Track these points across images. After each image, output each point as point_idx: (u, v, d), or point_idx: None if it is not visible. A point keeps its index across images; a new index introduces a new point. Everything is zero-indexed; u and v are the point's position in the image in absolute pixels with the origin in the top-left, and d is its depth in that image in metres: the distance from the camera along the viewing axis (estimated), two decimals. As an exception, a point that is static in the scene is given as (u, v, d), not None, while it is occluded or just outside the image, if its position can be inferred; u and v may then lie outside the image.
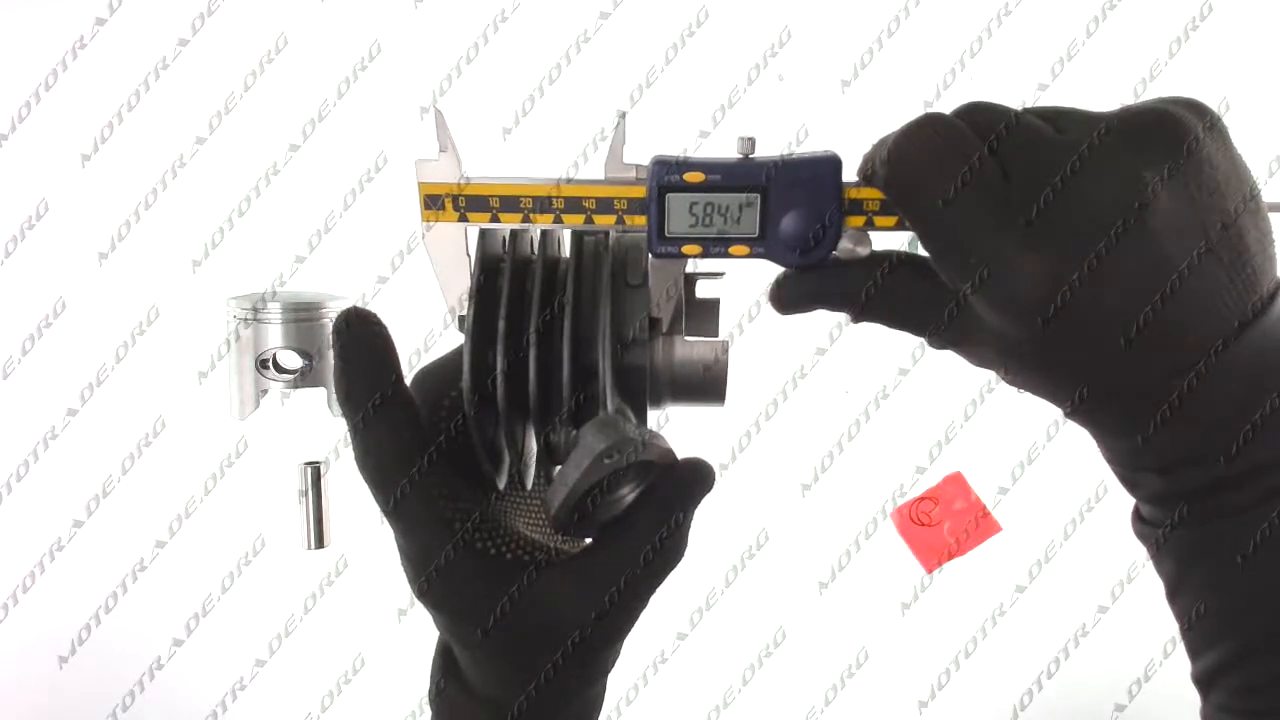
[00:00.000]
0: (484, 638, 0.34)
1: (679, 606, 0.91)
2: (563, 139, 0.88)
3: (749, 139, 0.37)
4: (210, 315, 0.92)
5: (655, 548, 0.35)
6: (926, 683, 0.92)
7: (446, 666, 0.38)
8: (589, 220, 0.38)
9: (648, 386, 0.39)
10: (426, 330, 0.86)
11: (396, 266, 0.86)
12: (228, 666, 0.91)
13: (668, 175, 0.37)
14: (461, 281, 0.39)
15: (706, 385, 0.41)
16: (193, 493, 0.90)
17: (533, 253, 0.40)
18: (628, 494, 0.36)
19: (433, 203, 0.39)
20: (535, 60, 0.88)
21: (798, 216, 0.37)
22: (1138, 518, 0.37)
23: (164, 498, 0.90)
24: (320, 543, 0.83)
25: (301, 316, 0.77)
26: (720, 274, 0.41)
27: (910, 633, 0.95)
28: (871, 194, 0.36)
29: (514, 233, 0.40)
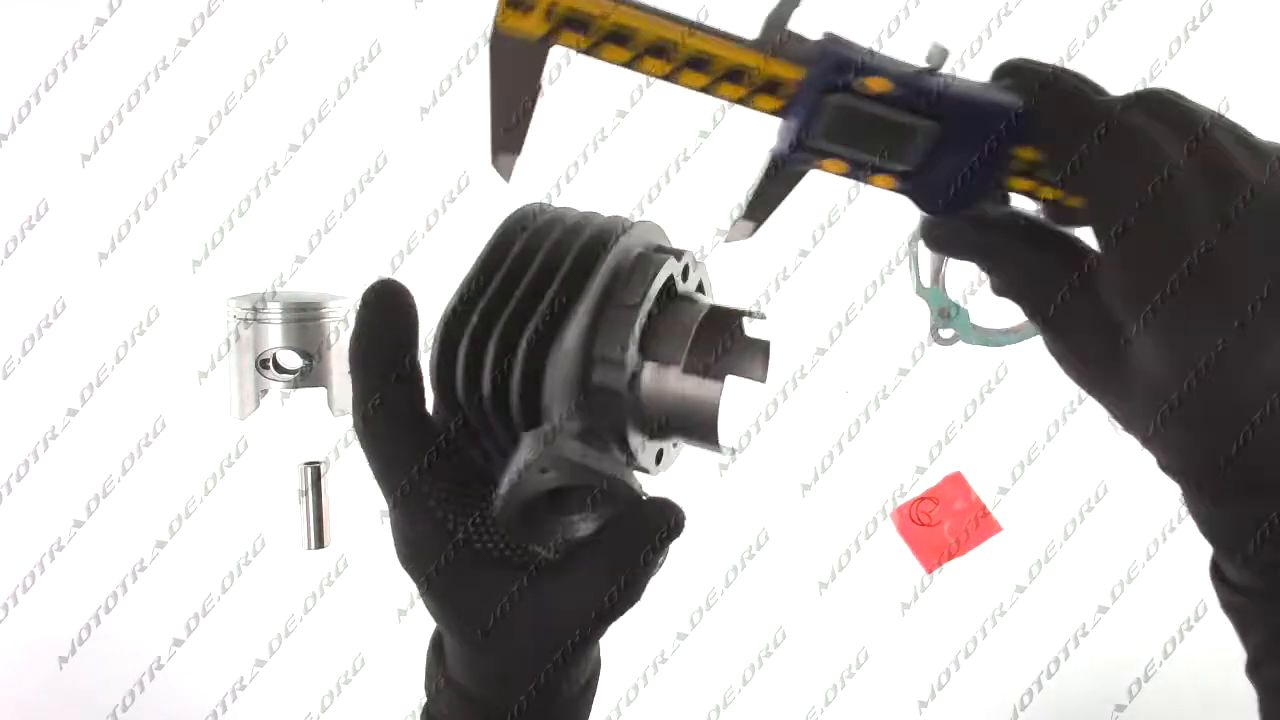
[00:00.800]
0: (484, 638, 0.34)
1: (679, 606, 0.91)
2: (563, 139, 0.88)
3: (944, 49, 0.30)
4: (210, 315, 0.92)
5: (606, 588, 0.34)
6: (926, 683, 0.92)
7: (440, 666, 0.38)
8: (712, 87, 0.30)
9: (626, 412, 0.35)
10: (426, 330, 0.86)
11: (396, 266, 0.85)
12: (228, 666, 0.91)
13: (840, 76, 0.29)
14: (514, 120, 0.31)
15: (696, 426, 0.37)
16: (193, 493, 0.90)
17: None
18: (580, 520, 0.34)
19: (518, 3, 0.29)
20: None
21: (961, 159, 0.30)
22: (1219, 578, 0.34)
23: (164, 498, 0.90)
24: (320, 543, 0.83)
25: (301, 316, 0.77)
26: (763, 316, 0.38)
27: (910, 633, 0.95)
28: (1030, 154, 0.30)
29: (540, 214, 0.38)
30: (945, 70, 0.30)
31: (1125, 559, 0.88)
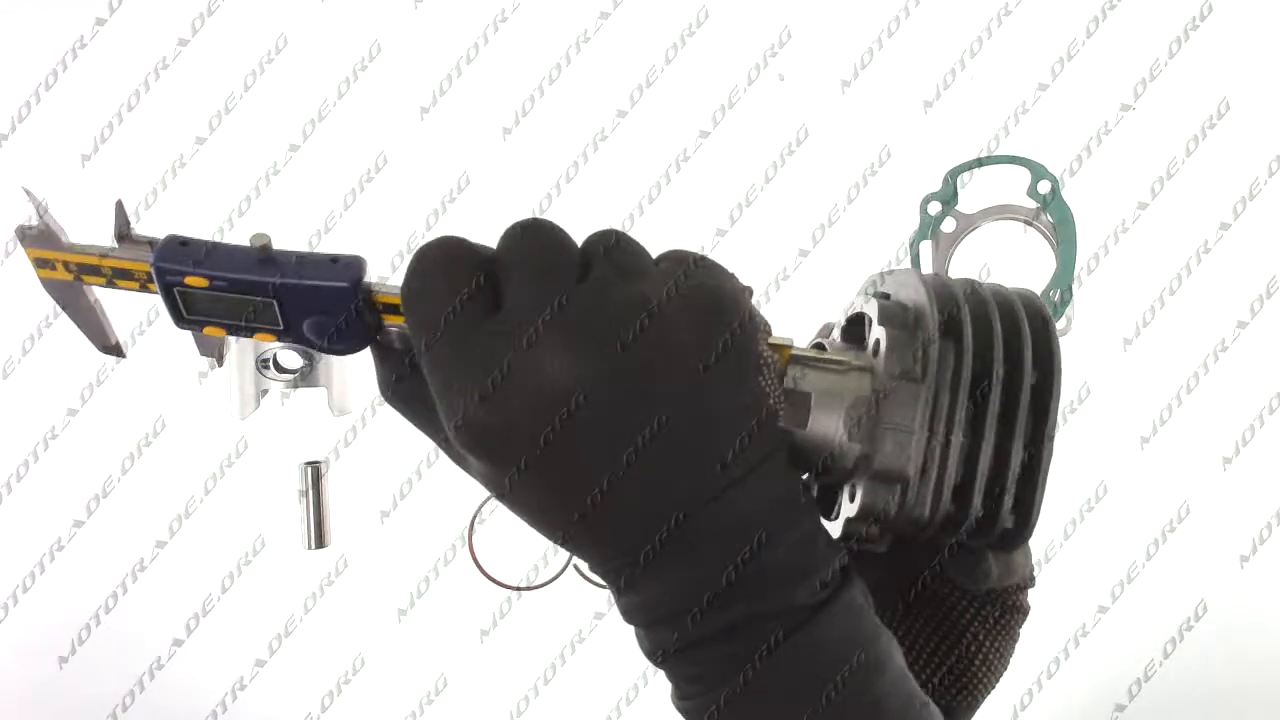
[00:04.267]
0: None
1: (679, 606, 0.91)
2: (563, 139, 0.88)
3: (262, 239, 0.35)
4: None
5: None
6: (926, 683, 0.92)
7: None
8: (145, 288, 0.38)
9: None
10: (426, 330, 0.86)
11: (396, 266, 0.86)
12: (228, 666, 0.92)
13: (169, 276, 0.36)
14: (90, 326, 0.42)
15: None
16: (193, 493, 0.90)
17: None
18: None
19: (44, 264, 0.40)
20: (535, 60, 0.88)
21: (320, 320, 0.36)
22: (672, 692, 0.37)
23: (164, 498, 0.90)
24: (320, 543, 0.83)
25: (302, 316, 0.76)
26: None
27: (910, 633, 0.95)
28: (397, 299, 0.36)
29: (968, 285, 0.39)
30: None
31: (1125, 559, 0.88)
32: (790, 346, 0.37)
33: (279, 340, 0.37)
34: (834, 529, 0.37)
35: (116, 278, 0.38)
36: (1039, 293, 0.89)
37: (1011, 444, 0.36)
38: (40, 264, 0.40)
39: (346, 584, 0.89)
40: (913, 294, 0.39)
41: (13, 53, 0.90)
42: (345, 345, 0.37)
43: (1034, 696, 0.88)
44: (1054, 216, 0.88)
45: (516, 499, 0.34)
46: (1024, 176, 0.88)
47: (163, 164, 0.90)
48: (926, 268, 0.93)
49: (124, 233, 0.39)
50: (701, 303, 0.33)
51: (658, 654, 0.35)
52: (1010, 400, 0.36)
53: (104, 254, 0.39)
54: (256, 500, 0.88)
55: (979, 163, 0.87)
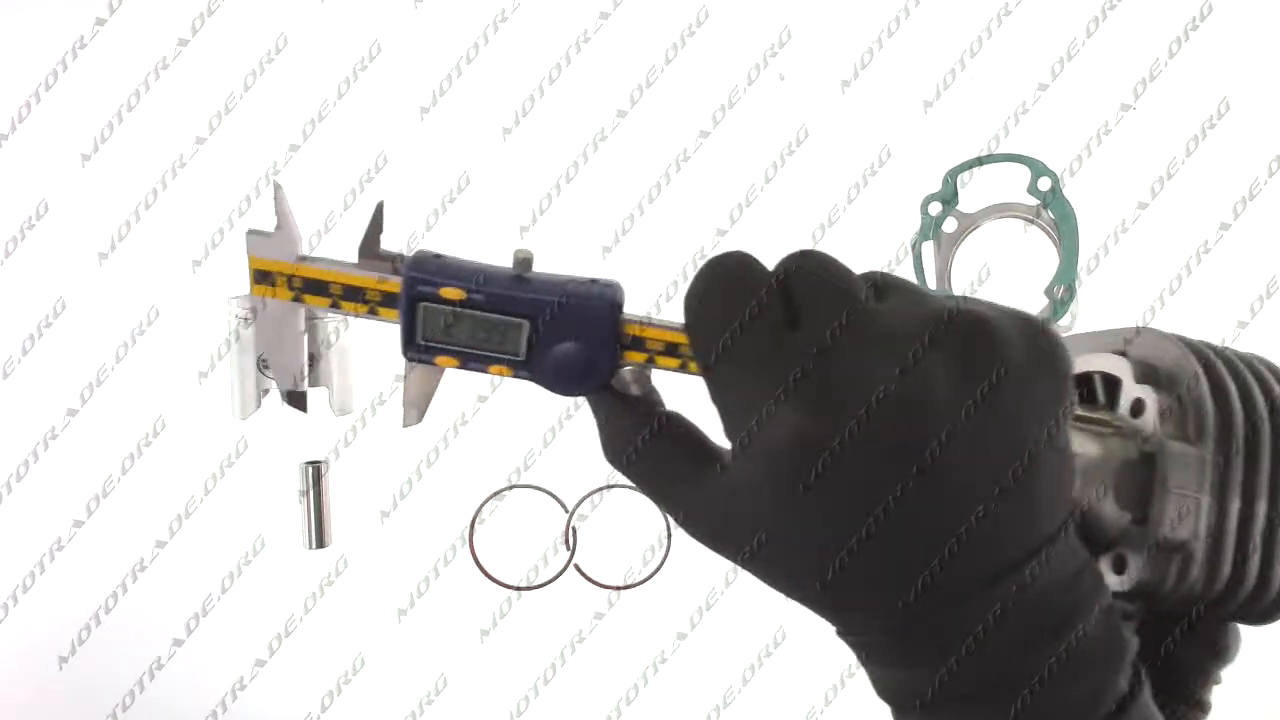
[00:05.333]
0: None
1: (679, 606, 0.91)
2: (563, 139, 0.88)
3: (525, 257, 0.34)
4: (210, 315, 0.92)
5: None
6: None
7: None
8: (373, 313, 0.35)
9: None
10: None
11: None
12: (228, 666, 0.92)
13: (422, 286, 0.33)
14: (296, 362, 0.37)
15: None
16: (193, 493, 0.90)
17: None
18: None
19: (263, 278, 0.35)
20: (535, 60, 0.88)
21: (569, 348, 0.33)
22: None
23: (164, 498, 0.90)
24: (320, 543, 0.83)
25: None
26: None
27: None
28: (654, 333, 0.34)
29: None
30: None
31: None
32: None
33: (514, 374, 0.34)
34: None
35: (344, 298, 0.34)
36: (1042, 290, 0.89)
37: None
38: (260, 277, 0.35)
39: (346, 584, 0.89)
40: (1157, 350, 0.36)
41: (13, 53, 0.90)
42: (589, 380, 0.34)
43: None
44: (1055, 213, 0.88)
45: (790, 527, 0.30)
46: (1024, 175, 0.88)
47: (163, 164, 0.90)
48: (929, 268, 0.93)
49: (371, 245, 0.35)
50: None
51: None
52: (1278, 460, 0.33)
53: (346, 270, 0.34)
54: (256, 500, 0.88)
55: (979, 162, 0.88)
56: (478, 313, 0.33)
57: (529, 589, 0.90)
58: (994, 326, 0.29)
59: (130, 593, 0.91)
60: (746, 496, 0.30)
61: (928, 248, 0.89)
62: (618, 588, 0.91)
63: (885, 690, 0.33)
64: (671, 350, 0.34)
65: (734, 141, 0.90)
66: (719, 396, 0.31)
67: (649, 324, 0.34)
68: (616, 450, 0.34)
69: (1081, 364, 0.39)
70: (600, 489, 0.90)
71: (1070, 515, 0.30)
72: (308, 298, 0.35)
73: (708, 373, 0.31)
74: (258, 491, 0.87)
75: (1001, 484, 0.28)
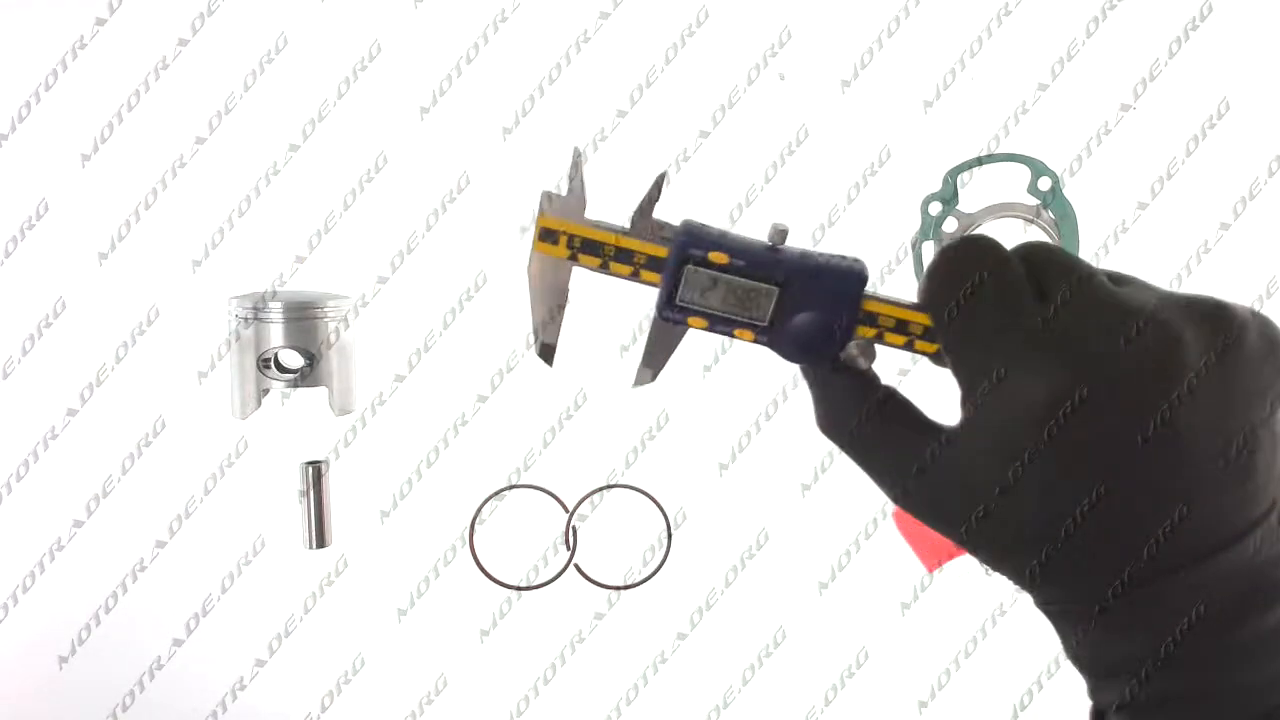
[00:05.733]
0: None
1: (679, 606, 0.91)
2: (563, 139, 0.88)
3: (782, 229, 0.37)
4: (210, 315, 0.92)
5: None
6: (926, 683, 0.92)
7: None
8: (636, 275, 0.38)
9: None
10: (427, 330, 0.86)
11: (396, 266, 0.85)
12: (228, 666, 0.91)
13: (693, 249, 0.36)
14: (550, 311, 0.39)
15: None
16: (193, 493, 0.90)
17: None
18: None
19: (547, 236, 0.38)
20: (535, 60, 0.88)
21: (811, 317, 0.36)
22: None
23: (164, 498, 0.90)
24: (320, 543, 0.84)
25: (302, 316, 0.77)
26: None
27: (910, 633, 0.95)
28: (888, 309, 0.36)
29: None
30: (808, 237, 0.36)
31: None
32: None
33: (755, 339, 0.37)
34: None
35: (614, 259, 0.37)
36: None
37: None
38: (545, 235, 0.38)
39: (346, 584, 0.89)
40: None
41: (13, 53, 0.90)
42: (825, 350, 0.36)
43: (1034, 696, 0.88)
44: (1055, 213, 0.88)
45: (1017, 493, 0.31)
46: (1024, 175, 0.88)
47: (163, 164, 0.90)
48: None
49: (647, 212, 0.38)
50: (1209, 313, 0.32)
51: (1104, 709, 0.33)
52: None
53: (621, 233, 0.38)
54: (256, 500, 0.88)
55: (979, 161, 0.88)
56: (736, 278, 0.36)
57: (529, 589, 0.90)
58: (1234, 310, 0.31)
59: (130, 593, 0.91)
60: (978, 461, 0.31)
61: (928, 247, 0.89)
62: (618, 588, 0.91)
63: (1085, 659, 0.33)
64: (901, 328, 0.36)
65: (734, 141, 0.90)
66: (959, 356, 0.32)
67: (885, 300, 0.36)
68: (838, 422, 0.36)
69: None
70: (600, 489, 0.90)
71: (1277, 498, 0.31)
72: (582, 257, 0.38)
73: (948, 335, 0.33)
74: (258, 491, 0.87)
75: (1227, 456, 0.30)
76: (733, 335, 0.37)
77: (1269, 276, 0.86)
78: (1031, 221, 0.89)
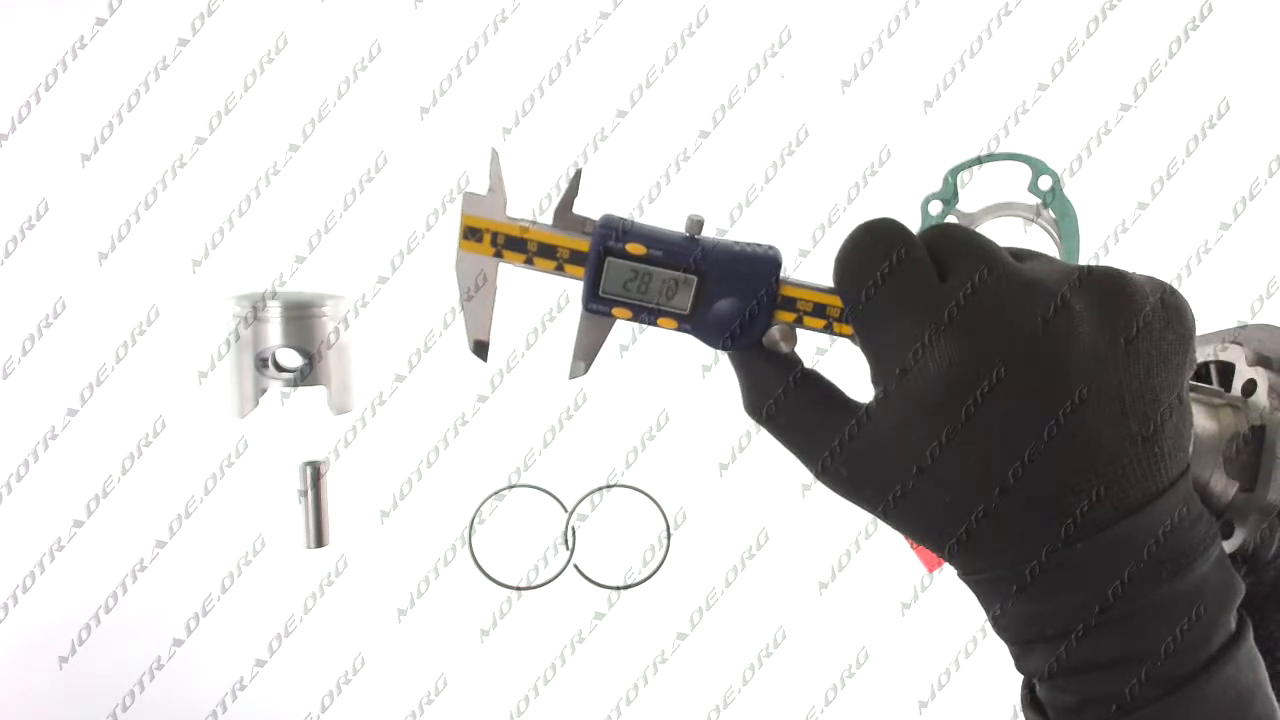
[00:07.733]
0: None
1: (679, 606, 0.91)
2: (563, 139, 0.88)
3: (698, 220, 0.38)
4: (210, 315, 0.92)
5: None
6: (926, 683, 0.92)
7: None
8: (560, 270, 0.38)
9: None
10: (427, 330, 0.86)
11: (396, 266, 0.85)
12: (228, 666, 0.92)
13: (611, 241, 0.37)
14: (480, 308, 0.40)
15: None
16: (193, 493, 0.90)
17: None
18: None
19: (472, 234, 0.39)
20: (535, 60, 0.88)
21: (729, 304, 0.37)
22: (1033, 705, 0.35)
23: (164, 498, 0.90)
24: (320, 542, 0.84)
25: (301, 315, 0.77)
26: None
27: (910, 633, 0.95)
28: (805, 294, 0.38)
29: None
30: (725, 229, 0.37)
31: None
32: None
33: (679, 329, 0.38)
34: None
35: (538, 255, 0.38)
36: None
37: None
38: (469, 234, 0.39)
39: (346, 584, 0.89)
40: (1267, 338, 0.40)
41: (13, 53, 0.90)
42: (745, 335, 0.37)
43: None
44: (1056, 212, 0.88)
45: (933, 467, 0.31)
46: (1024, 174, 0.88)
47: (163, 164, 0.90)
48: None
49: (567, 207, 0.38)
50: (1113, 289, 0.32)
51: (1031, 677, 0.34)
52: None
53: (543, 229, 0.38)
54: (256, 500, 0.87)
55: (979, 161, 0.88)
56: (654, 268, 0.37)
57: (529, 589, 0.90)
58: (1130, 280, 0.32)
59: (130, 593, 0.91)
60: (890, 439, 0.32)
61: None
62: (618, 588, 0.91)
63: (1006, 626, 0.34)
64: (819, 311, 0.37)
65: (734, 141, 0.90)
66: (869, 339, 0.33)
67: (801, 285, 0.38)
68: (757, 403, 0.37)
69: (1198, 355, 0.42)
70: (600, 489, 0.90)
71: (1188, 465, 0.32)
72: (507, 254, 0.38)
73: (858, 318, 0.34)
74: (258, 491, 0.87)
75: (1133, 426, 0.30)
76: (657, 324, 0.38)
77: (1269, 276, 0.86)
78: (1032, 221, 0.89)
